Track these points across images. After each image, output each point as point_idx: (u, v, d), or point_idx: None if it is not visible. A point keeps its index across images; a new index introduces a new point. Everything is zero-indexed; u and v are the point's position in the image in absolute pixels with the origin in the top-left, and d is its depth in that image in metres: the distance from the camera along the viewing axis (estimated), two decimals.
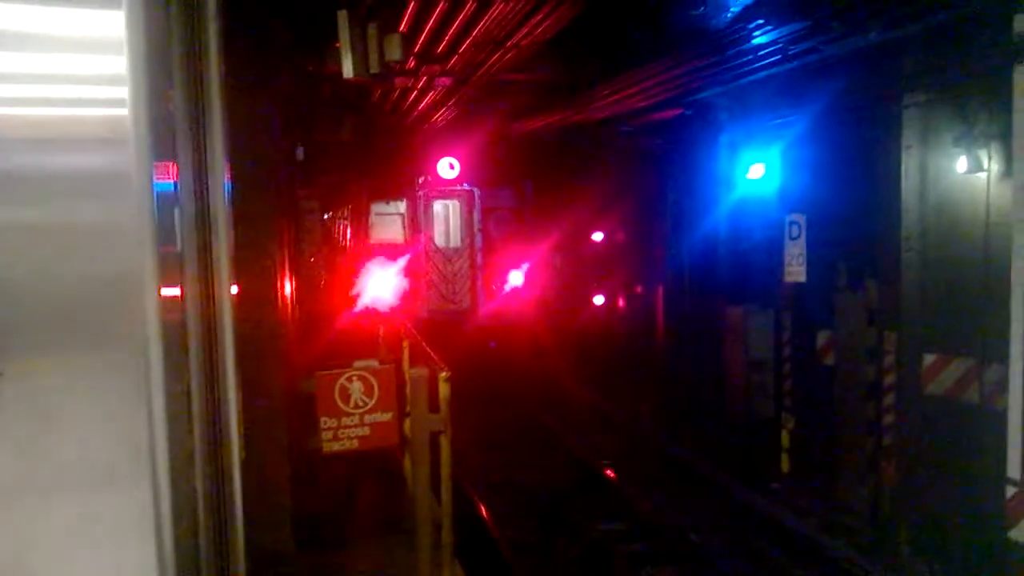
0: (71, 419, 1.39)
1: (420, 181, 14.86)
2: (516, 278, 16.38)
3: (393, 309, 13.63)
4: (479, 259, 16.11)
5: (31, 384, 1.36)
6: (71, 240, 1.37)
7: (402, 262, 14.56)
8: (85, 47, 1.36)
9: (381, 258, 14.34)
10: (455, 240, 15.69)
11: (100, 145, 1.37)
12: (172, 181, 1.60)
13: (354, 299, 13.76)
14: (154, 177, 1.41)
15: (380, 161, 14.17)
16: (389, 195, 14.61)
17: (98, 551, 1.43)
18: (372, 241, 14.64)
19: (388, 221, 14.71)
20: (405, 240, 14.87)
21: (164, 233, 1.46)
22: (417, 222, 14.99)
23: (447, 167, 14.51)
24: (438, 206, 15.27)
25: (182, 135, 1.96)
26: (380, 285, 14.13)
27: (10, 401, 1.35)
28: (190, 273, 1.95)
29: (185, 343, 1.93)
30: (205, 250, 2.03)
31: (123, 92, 1.35)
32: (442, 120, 12.37)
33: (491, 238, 16.31)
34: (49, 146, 1.36)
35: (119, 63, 1.36)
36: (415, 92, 10.98)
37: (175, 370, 1.57)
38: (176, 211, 1.71)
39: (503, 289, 16.33)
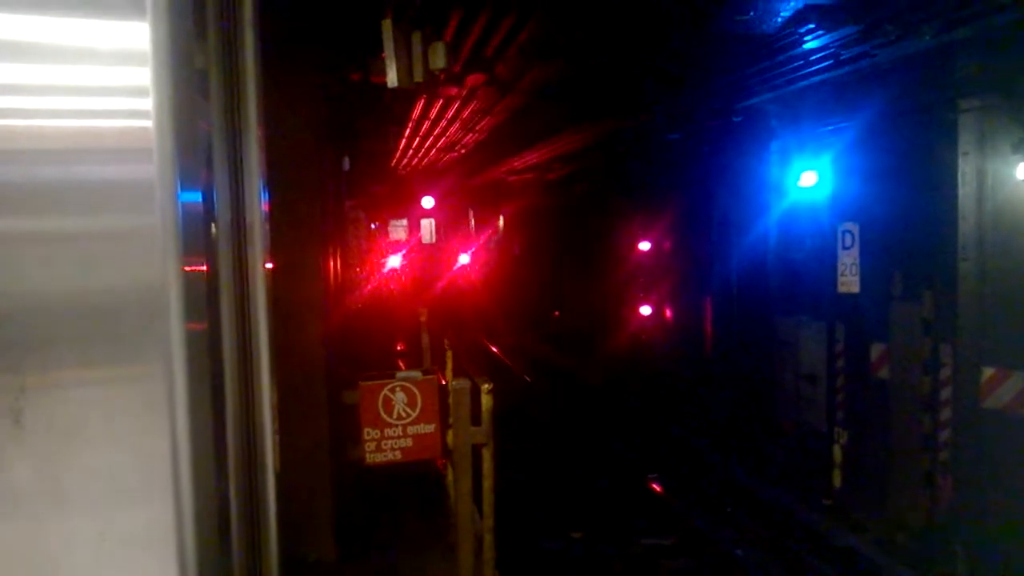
0: (94, 432, 1.37)
1: (417, 206, 25.03)
2: (464, 259, 28.07)
3: (397, 274, 25.50)
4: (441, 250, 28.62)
5: (53, 397, 1.35)
6: (95, 252, 1.36)
7: (404, 250, 27.01)
8: (110, 58, 1.34)
9: (393, 249, 26.31)
10: (430, 239, 28.09)
11: (125, 156, 1.35)
12: (201, 192, 1.58)
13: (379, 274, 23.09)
14: (180, 188, 1.38)
15: (395, 194, 23.12)
16: (399, 215, 26.44)
17: (120, 566, 1.40)
18: (390, 239, 26.52)
19: (399, 229, 27.07)
20: (406, 240, 27.32)
21: (191, 244, 1.44)
22: (413, 230, 27.43)
23: (429, 199, 24.39)
24: (424, 221, 27.63)
25: (217, 144, 1.94)
26: (393, 262, 26.16)
27: (32, 414, 1.34)
28: (224, 285, 1.94)
29: (218, 356, 1.91)
30: (240, 261, 2.01)
31: (147, 104, 1.33)
32: (457, 155, 16.20)
33: (449, 241, 28.21)
34: (74, 157, 1.35)
35: (144, 74, 1.34)
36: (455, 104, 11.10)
37: (201, 382, 1.54)
38: (206, 223, 1.69)
39: (455, 266, 28.01)
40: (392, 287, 24.72)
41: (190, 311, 1.39)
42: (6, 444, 1.33)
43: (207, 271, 1.65)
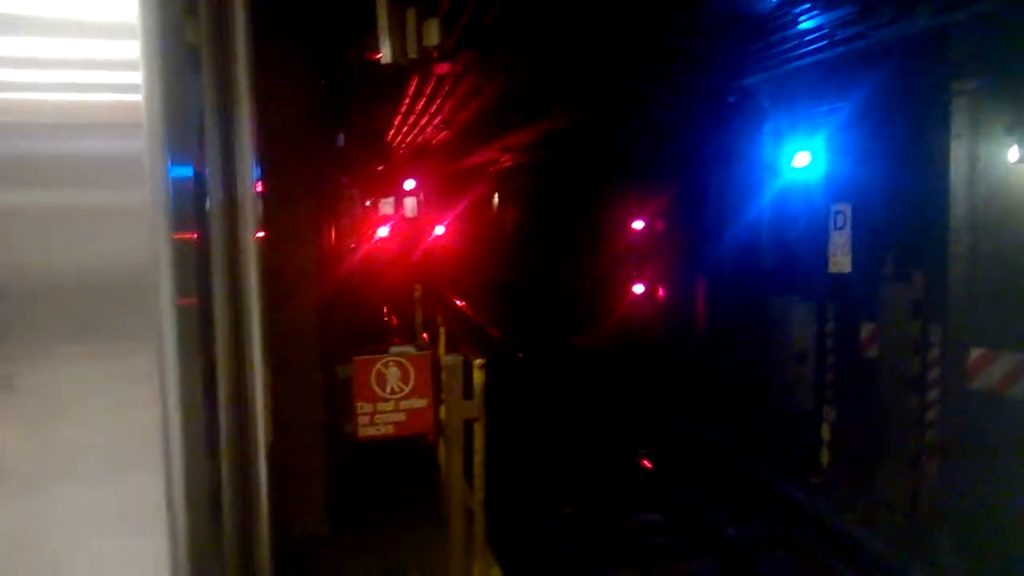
0: (86, 404, 1.38)
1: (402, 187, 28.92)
2: (438, 231, 34.05)
3: (386, 243, 28.16)
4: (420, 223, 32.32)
5: (45, 371, 1.36)
6: (86, 226, 1.37)
7: (390, 222, 29.38)
8: (100, 31, 1.35)
9: (383, 223, 28.51)
10: (412, 213, 30.22)
11: (115, 131, 1.36)
12: (192, 167, 1.59)
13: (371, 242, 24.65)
14: (170, 163, 1.39)
15: (388, 173, 25.83)
16: (388, 193, 28.80)
17: (111, 538, 1.43)
18: (380, 214, 28.76)
19: (387, 205, 29.33)
20: (393, 214, 29.49)
21: (181, 219, 1.45)
22: (399, 206, 29.72)
23: (411, 182, 28.69)
24: (407, 199, 29.75)
25: (209, 120, 1.95)
26: (382, 232, 28.25)
27: (24, 388, 1.35)
28: (216, 260, 1.95)
29: (210, 330, 1.93)
30: (232, 236, 2.03)
31: (138, 77, 1.34)
32: (451, 132, 16.77)
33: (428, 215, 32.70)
34: (64, 131, 1.35)
35: (134, 47, 1.34)
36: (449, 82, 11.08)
37: (192, 356, 1.56)
38: (198, 198, 1.70)
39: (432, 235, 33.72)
40: (381, 255, 27.76)
41: (181, 286, 1.41)
42: None
43: (199, 247, 1.66)
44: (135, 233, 1.36)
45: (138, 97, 1.34)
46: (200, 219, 1.74)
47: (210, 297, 1.94)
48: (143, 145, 1.34)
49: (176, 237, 1.40)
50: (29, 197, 1.35)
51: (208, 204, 1.91)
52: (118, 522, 1.42)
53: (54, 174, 1.35)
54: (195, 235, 1.59)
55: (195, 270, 1.58)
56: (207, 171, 1.92)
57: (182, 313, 1.42)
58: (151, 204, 1.35)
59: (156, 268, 1.37)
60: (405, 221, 31.31)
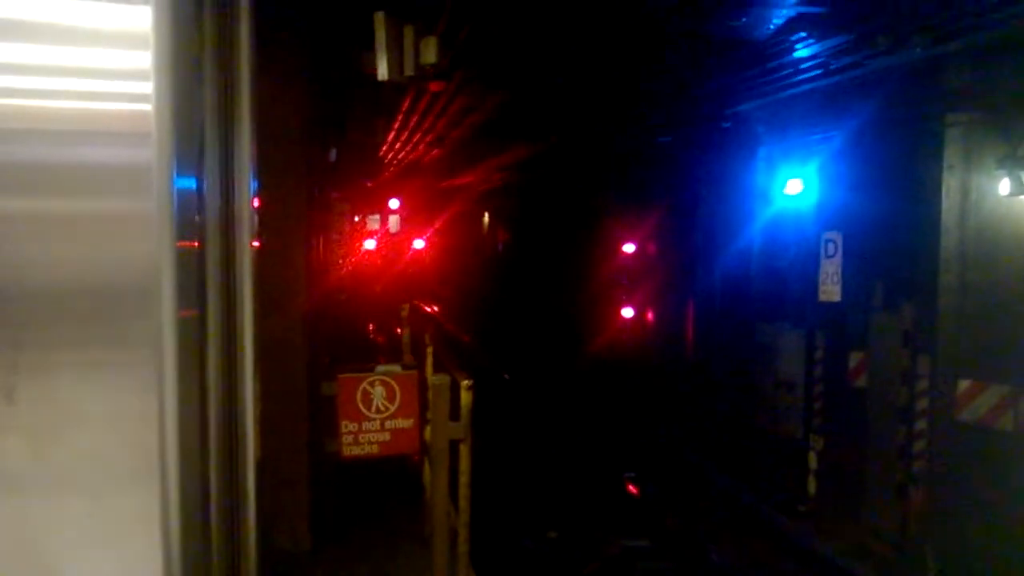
0: (84, 414, 1.37)
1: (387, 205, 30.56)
2: (418, 244, 35.44)
3: (372, 255, 30.13)
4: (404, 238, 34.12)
5: (47, 376, 1.35)
6: (90, 234, 1.35)
7: (376, 237, 30.75)
8: (113, 41, 1.34)
9: (369, 236, 29.94)
10: (396, 229, 31.91)
11: (123, 139, 1.35)
12: (195, 178, 1.57)
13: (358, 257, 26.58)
14: (176, 173, 1.38)
15: (377, 189, 27.33)
16: (374, 211, 30.11)
17: (106, 547, 1.41)
18: (367, 229, 30.03)
19: (373, 221, 30.48)
20: (378, 229, 30.60)
21: (185, 230, 1.44)
22: (384, 222, 30.91)
23: (396, 202, 30.80)
24: (392, 216, 31.19)
25: (210, 133, 1.93)
26: (369, 245, 30.08)
27: (24, 394, 1.33)
28: (211, 271, 1.93)
29: (203, 341, 1.90)
30: (228, 249, 2.01)
31: (148, 87, 1.33)
32: (442, 150, 16.82)
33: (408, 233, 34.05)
34: (74, 139, 1.34)
35: (145, 58, 1.33)
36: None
37: (190, 368, 1.54)
38: (199, 208, 1.69)
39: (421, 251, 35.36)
40: (367, 267, 29.94)
41: (182, 298, 1.39)
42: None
43: (198, 258, 1.65)
44: (139, 242, 1.34)
45: (148, 107, 1.33)
46: (200, 230, 1.73)
47: (204, 308, 1.92)
48: (152, 154, 1.33)
49: (179, 247, 1.38)
50: (37, 204, 1.34)
51: (204, 216, 1.89)
52: (114, 531, 1.40)
53: (62, 181, 1.34)
54: (195, 246, 1.58)
55: (195, 281, 1.56)
56: (206, 182, 1.90)
57: (182, 324, 1.41)
58: (157, 213, 1.34)
59: (159, 279, 1.35)
60: (391, 237, 32.73)
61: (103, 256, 1.36)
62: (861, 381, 9.46)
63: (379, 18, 5.79)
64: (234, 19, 1.98)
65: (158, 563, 1.43)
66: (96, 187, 1.36)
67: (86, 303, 1.36)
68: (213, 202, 1.94)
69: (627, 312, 17.09)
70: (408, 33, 5.92)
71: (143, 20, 1.34)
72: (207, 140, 1.91)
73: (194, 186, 1.57)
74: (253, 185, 2.06)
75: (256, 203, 2.09)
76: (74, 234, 1.35)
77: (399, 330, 9.54)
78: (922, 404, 8.43)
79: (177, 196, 1.37)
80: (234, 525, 2.09)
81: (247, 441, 2.09)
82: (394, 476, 8.05)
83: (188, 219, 1.48)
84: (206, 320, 1.92)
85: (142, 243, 1.36)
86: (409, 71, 5.96)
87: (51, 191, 1.34)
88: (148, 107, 1.34)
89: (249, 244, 2.04)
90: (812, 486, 10.08)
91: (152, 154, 1.34)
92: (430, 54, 5.98)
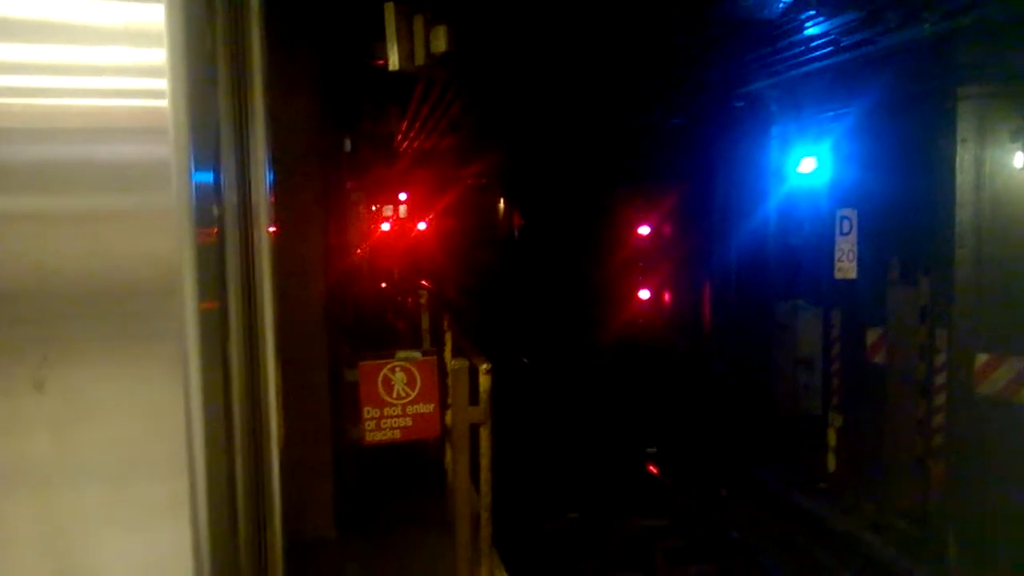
0: (111, 405, 1.41)
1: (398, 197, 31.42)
2: (434, 230, 35.50)
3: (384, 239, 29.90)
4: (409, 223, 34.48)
5: (75, 369, 1.39)
6: (113, 229, 1.40)
7: (392, 224, 31.15)
8: (127, 38, 1.38)
9: (385, 224, 30.24)
10: (411, 216, 33.10)
11: (141, 136, 1.39)
12: (212, 172, 1.62)
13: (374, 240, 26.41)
14: (193, 168, 1.42)
15: (392, 179, 26.85)
16: (390, 199, 30.67)
17: (134, 537, 1.45)
18: (383, 217, 30.29)
19: (389, 209, 30.88)
20: (394, 217, 31.50)
21: (203, 223, 1.48)
22: (400, 210, 31.91)
23: (405, 195, 31.61)
24: (402, 206, 31.94)
25: (225, 126, 1.97)
26: (385, 232, 30.02)
27: (52, 387, 1.38)
28: (231, 263, 1.98)
29: (225, 332, 1.95)
30: (246, 240, 2.05)
31: (163, 83, 1.37)
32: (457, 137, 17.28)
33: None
34: (91, 136, 1.38)
35: (159, 54, 1.37)
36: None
37: (213, 358, 1.59)
38: (216, 202, 1.73)
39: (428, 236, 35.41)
40: (385, 255, 29.64)
41: (203, 290, 1.44)
42: (29, 410, 1.37)
43: (217, 250, 1.69)
44: (159, 236, 1.39)
45: (163, 103, 1.37)
46: (218, 223, 1.77)
47: (225, 300, 1.97)
48: (169, 150, 1.37)
49: (199, 240, 1.43)
50: (59, 201, 1.38)
51: (221, 209, 1.93)
52: (142, 520, 1.44)
53: (82, 178, 1.38)
54: (215, 239, 1.62)
55: (215, 273, 1.61)
56: (223, 175, 1.94)
57: (204, 315, 1.45)
58: (175, 208, 1.38)
59: (180, 272, 1.40)
60: (407, 224, 33.03)
61: (124, 251, 1.40)
62: (879, 357, 9.45)
63: (389, 8, 5.81)
64: (245, 13, 2.02)
65: (187, 552, 1.47)
66: (115, 183, 1.40)
67: (109, 297, 1.41)
68: (230, 195, 1.98)
69: (644, 294, 17.09)
70: (418, 22, 5.94)
71: (156, 17, 1.38)
72: (222, 134, 1.96)
73: (211, 180, 1.61)
74: (269, 177, 2.11)
75: (272, 195, 2.13)
76: (96, 230, 1.39)
77: (419, 316, 9.61)
78: (940, 379, 8.42)
79: (195, 190, 1.42)
80: (260, 514, 2.14)
81: (270, 429, 2.14)
82: (415, 461, 8.12)
83: (206, 212, 1.52)
84: (227, 311, 1.97)
85: (162, 237, 1.41)
86: (420, 60, 5.98)
87: (72, 188, 1.39)
88: (163, 103, 1.38)
89: (267, 235, 2.08)
90: (831, 463, 10.09)
91: (169, 149, 1.38)
92: (440, 42, 6.00)
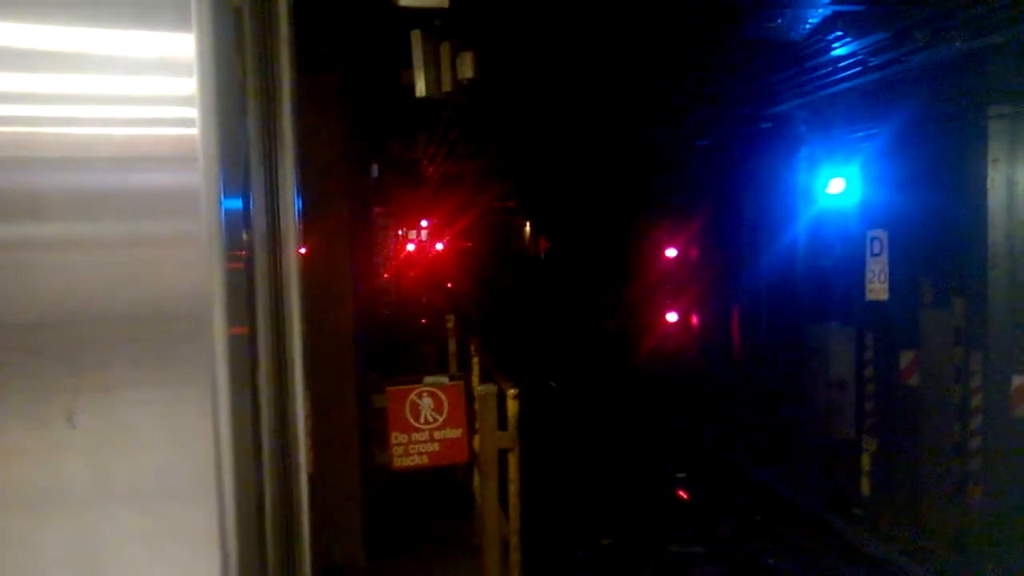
0: (142, 432, 1.42)
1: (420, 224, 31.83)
2: (446, 248, 35.97)
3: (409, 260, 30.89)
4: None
5: (105, 399, 1.40)
6: (143, 257, 1.41)
7: (419, 249, 32.07)
8: (157, 68, 1.40)
9: (413, 249, 30.89)
10: (438, 241, 33.96)
11: (172, 164, 1.40)
12: (241, 198, 1.63)
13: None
14: (223, 195, 1.43)
15: (418, 203, 26.60)
16: (417, 224, 31.04)
17: (166, 562, 1.45)
18: (410, 242, 31.14)
19: (416, 234, 31.61)
20: (421, 242, 32.33)
21: (233, 250, 1.49)
22: (427, 235, 32.66)
23: (424, 222, 32.07)
24: (423, 231, 32.36)
25: (254, 153, 1.99)
26: (412, 257, 30.96)
27: (85, 416, 1.39)
28: (260, 289, 1.99)
29: (254, 359, 1.96)
30: (275, 267, 2.06)
31: (193, 112, 1.38)
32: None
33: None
34: (123, 164, 1.40)
35: (190, 84, 1.39)
36: None
37: (243, 384, 1.59)
38: (246, 229, 1.74)
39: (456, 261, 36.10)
40: (412, 279, 30.03)
41: (233, 316, 1.44)
42: (61, 443, 1.38)
43: (247, 277, 1.70)
44: (190, 264, 1.40)
45: (194, 131, 1.39)
46: (248, 250, 1.78)
47: (254, 325, 1.98)
48: (199, 178, 1.38)
49: (229, 266, 1.43)
50: (90, 228, 1.39)
51: (250, 235, 1.95)
52: (172, 547, 1.44)
53: (114, 206, 1.39)
54: (244, 266, 1.63)
55: (244, 299, 1.61)
56: (252, 203, 1.96)
57: (234, 341, 1.46)
58: (206, 235, 1.39)
59: (210, 299, 1.40)
60: (434, 249, 33.25)
61: (155, 277, 1.41)
62: (913, 380, 9.31)
63: (416, 35, 5.86)
64: (275, 41, 2.04)
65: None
66: (147, 211, 1.41)
67: (140, 323, 1.42)
68: (259, 221, 1.99)
69: (672, 316, 17.01)
70: (444, 49, 5.98)
71: (187, 47, 1.40)
72: (252, 161, 1.98)
73: (240, 207, 1.62)
74: (298, 203, 2.12)
75: (302, 222, 2.14)
76: (127, 257, 1.41)
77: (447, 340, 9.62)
78: (976, 401, 8.28)
79: (224, 217, 1.43)
80: (289, 540, 2.13)
81: (299, 455, 2.14)
82: (443, 486, 8.09)
83: (236, 240, 1.53)
84: (256, 337, 1.98)
85: (192, 264, 1.41)
86: (447, 87, 6.02)
87: (104, 216, 1.40)
88: (194, 131, 1.39)
89: (295, 261, 2.09)
90: (866, 487, 9.93)
91: (199, 177, 1.39)
92: (467, 69, 6.03)
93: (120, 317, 1.39)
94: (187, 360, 1.41)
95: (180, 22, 1.38)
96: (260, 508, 1.96)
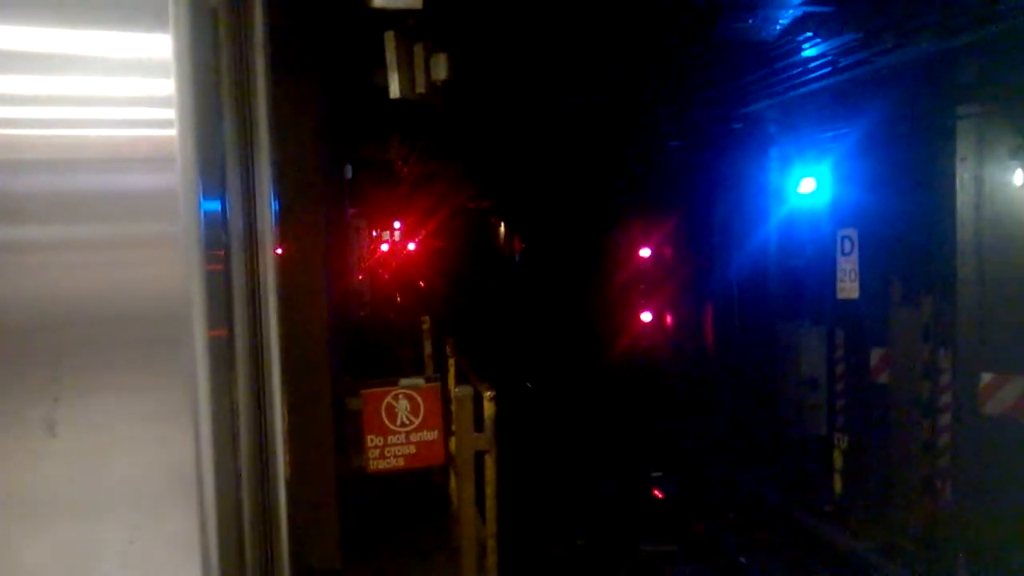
0: (123, 440, 1.40)
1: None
2: (419, 249, 37.20)
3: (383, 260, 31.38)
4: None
5: (86, 406, 1.38)
6: (122, 259, 1.39)
7: (392, 250, 32.93)
8: (135, 69, 1.38)
9: (386, 250, 31.19)
10: (412, 242, 34.25)
11: (150, 165, 1.39)
12: (219, 199, 1.62)
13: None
14: (202, 196, 1.42)
15: (390, 206, 27.30)
16: (391, 225, 31.66)
17: (147, 569, 1.44)
18: (385, 243, 31.92)
19: (390, 235, 32.64)
20: (395, 243, 33.00)
21: (211, 252, 1.48)
22: (401, 236, 33.34)
23: (398, 223, 32.72)
24: (398, 232, 33.42)
25: (230, 155, 1.97)
26: (387, 259, 30.08)
27: (66, 425, 1.37)
28: (237, 292, 1.97)
29: (232, 362, 1.94)
30: (252, 269, 2.05)
31: (170, 113, 1.37)
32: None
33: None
34: (101, 166, 1.38)
35: (167, 85, 1.37)
36: None
37: (222, 389, 1.57)
38: (223, 229, 1.73)
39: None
40: (386, 281, 30.69)
41: (212, 319, 1.43)
42: (41, 454, 1.36)
43: (224, 279, 1.68)
44: (168, 265, 1.38)
45: (172, 132, 1.37)
46: (225, 251, 1.76)
47: (232, 328, 1.96)
48: (177, 178, 1.37)
49: (208, 267, 1.42)
50: (72, 231, 1.38)
51: (230, 237, 1.93)
52: (152, 553, 1.43)
53: (95, 208, 1.38)
54: (222, 267, 1.62)
55: (223, 302, 1.60)
56: (229, 204, 1.94)
57: (214, 344, 1.44)
58: (184, 236, 1.37)
59: (190, 301, 1.39)
60: (408, 250, 33.33)
61: (135, 279, 1.39)
62: (883, 377, 9.42)
63: (389, 37, 5.83)
64: (249, 44, 2.03)
65: None
66: (127, 212, 1.40)
67: (118, 328, 1.40)
68: (236, 222, 1.98)
69: (646, 316, 17.08)
70: (418, 51, 5.96)
71: (164, 47, 1.38)
72: (228, 161, 1.96)
73: (219, 208, 1.61)
74: (274, 205, 2.10)
75: (278, 223, 2.13)
76: (108, 259, 1.39)
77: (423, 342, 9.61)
78: (945, 398, 8.39)
79: (203, 219, 1.41)
80: (268, 546, 2.11)
81: (277, 459, 2.12)
82: (419, 488, 8.07)
83: (214, 241, 1.51)
84: (233, 340, 1.96)
85: (170, 266, 1.40)
86: (420, 88, 6.00)
87: (85, 218, 1.38)
88: (172, 132, 1.38)
89: (272, 262, 2.08)
90: (838, 485, 10.03)
91: (178, 178, 1.38)
92: (440, 71, 6.02)
93: (100, 318, 1.37)
94: (167, 363, 1.40)
95: (158, 23, 1.37)
96: (239, 513, 1.94)
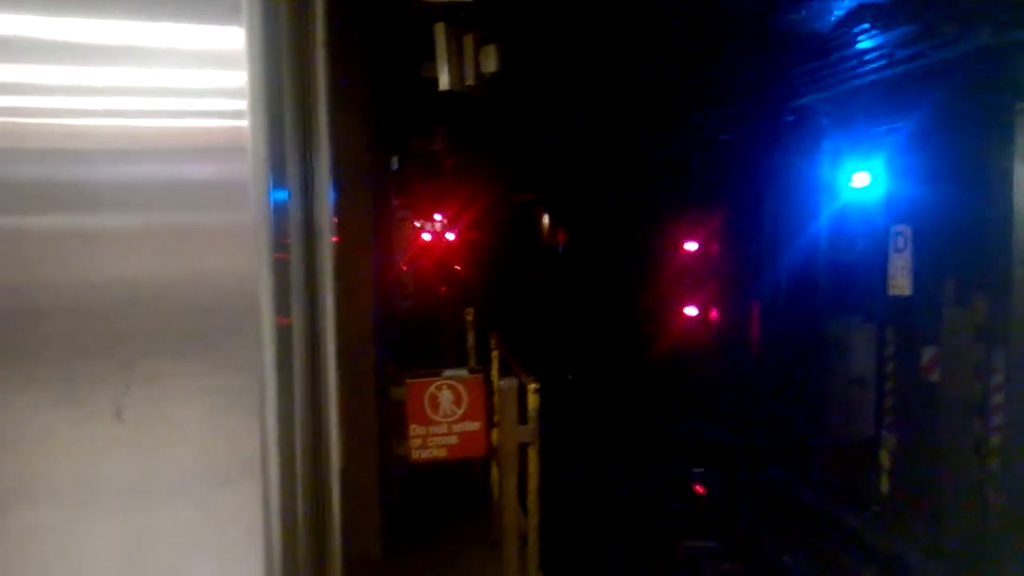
0: (189, 424, 1.42)
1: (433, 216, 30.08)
2: (462, 240, 33.49)
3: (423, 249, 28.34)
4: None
5: (153, 391, 1.40)
6: (193, 248, 1.41)
7: (437, 241, 30.05)
8: (208, 61, 1.39)
9: (431, 241, 29.16)
10: (457, 233, 31.29)
11: (221, 155, 1.40)
12: (286, 191, 1.63)
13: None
14: (271, 187, 1.43)
15: (433, 197, 26.32)
16: (436, 216, 29.34)
17: (209, 553, 1.46)
18: (429, 234, 29.23)
19: (434, 226, 29.72)
20: (439, 234, 30.32)
21: (279, 242, 1.49)
22: (439, 225, 29.99)
23: (449, 209, 29.77)
24: (441, 223, 30.38)
25: (290, 147, 1.99)
26: (430, 249, 28.69)
27: (134, 408, 1.39)
28: (295, 280, 1.99)
29: (290, 350, 1.96)
30: (311, 259, 2.06)
31: (242, 104, 1.38)
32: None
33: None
34: (174, 156, 1.40)
35: (239, 77, 1.38)
36: None
37: (287, 376, 1.59)
38: (288, 220, 1.74)
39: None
40: (430, 271, 29.11)
41: (279, 307, 1.44)
42: (109, 438, 1.38)
43: (288, 269, 1.70)
44: (238, 254, 1.39)
45: (243, 123, 1.38)
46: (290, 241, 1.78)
47: (290, 316, 1.97)
48: (248, 169, 1.38)
49: (276, 257, 1.43)
50: (142, 219, 1.39)
51: (292, 227, 1.94)
52: (214, 538, 1.45)
53: (164, 197, 1.39)
54: (287, 256, 1.63)
55: (288, 292, 1.61)
56: (291, 194, 1.95)
57: (281, 334, 1.46)
58: (254, 226, 1.38)
59: (258, 289, 1.40)
60: (452, 241, 32.58)
61: (204, 268, 1.41)
62: (934, 376, 9.24)
63: (439, 29, 5.84)
64: (311, 37, 2.04)
65: (260, 567, 1.48)
66: (196, 202, 1.41)
67: (186, 316, 1.42)
68: (295, 212, 2.00)
69: (691, 311, 16.95)
70: (468, 43, 5.96)
71: (236, 40, 1.39)
72: (288, 153, 1.98)
73: (286, 198, 1.62)
74: (332, 196, 2.12)
75: (335, 213, 2.14)
76: (177, 248, 1.41)
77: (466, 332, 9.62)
78: (998, 399, 8.21)
79: (273, 208, 1.42)
80: (319, 532, 2.14)
81: (331, 447, 2.14)
82: (461, 479, 8.10)
83: (282, 230, 1.53)
84: (291, 327, 1.98)
85: (238, 255, 1.41)
86: (470, 80, 6.00)
87: (155, 207, 1.40)
88: (244, 123, 1.39)
89: (330, 252, 2.09)
90: (885, 485, 9.87)
91: (248, 168, 1.39)
92: (490, 63, 6.01)
93: (170, 307, 1.39)
94: (233, 351, 1.41)
95: (230, 14, 1.38)
96: (293, 503, 1.96)
